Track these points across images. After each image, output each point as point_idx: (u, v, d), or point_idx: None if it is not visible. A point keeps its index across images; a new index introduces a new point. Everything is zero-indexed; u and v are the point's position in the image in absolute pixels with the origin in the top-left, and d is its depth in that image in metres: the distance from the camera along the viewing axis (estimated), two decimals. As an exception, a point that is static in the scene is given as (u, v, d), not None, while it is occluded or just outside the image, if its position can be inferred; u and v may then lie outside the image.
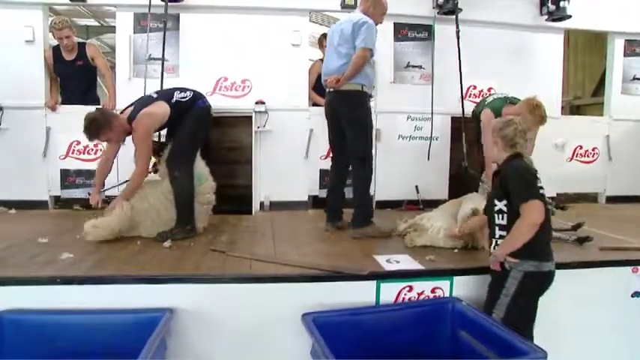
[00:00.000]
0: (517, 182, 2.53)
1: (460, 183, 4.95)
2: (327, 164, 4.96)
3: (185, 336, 2.66)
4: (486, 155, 4.17)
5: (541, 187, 2.52)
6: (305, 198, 5.07)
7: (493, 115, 4.17)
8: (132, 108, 3.63)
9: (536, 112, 3.72)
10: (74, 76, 4.90)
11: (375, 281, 2.79)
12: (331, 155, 4.03)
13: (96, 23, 11.58)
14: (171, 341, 2.62)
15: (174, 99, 3.66)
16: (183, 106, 3.66)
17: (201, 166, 3.90)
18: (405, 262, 3.03)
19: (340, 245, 3.48)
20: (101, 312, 2.59)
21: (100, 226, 3.45)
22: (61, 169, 4.90)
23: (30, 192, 4.86)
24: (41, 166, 4.86)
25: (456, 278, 2.88)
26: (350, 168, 3.79)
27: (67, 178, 4.91)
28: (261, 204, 4.98)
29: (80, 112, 4.66)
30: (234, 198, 4.86)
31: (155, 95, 3.72)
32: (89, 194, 3.91)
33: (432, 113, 5.09)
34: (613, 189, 5.82)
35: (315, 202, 5.17)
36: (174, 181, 3.63)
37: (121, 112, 3.73)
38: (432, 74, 5.16)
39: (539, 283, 2.53)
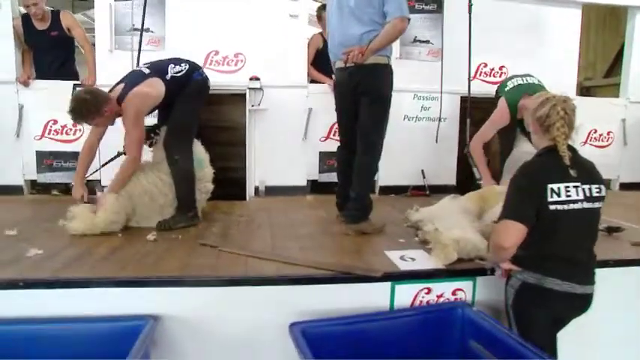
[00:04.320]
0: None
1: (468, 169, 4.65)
2: (327, 146, 4.71)
3: (171, 347, 2.30)
4: (473, 142, 3.89)
5: (557, 202, 2.04)
6: (303, 183, 4.71)
7: (507, 108, 3.76)
8: (122, 86, 3.21)
9: None
10: (48, 48, 4.44)
11: (389, 283, 2.44)
12: (341, 141, 3.52)
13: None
14: (155, 353, 2.27)
15: (169, 74, 3.28)
16: (178, 82, 3.29)
17: (200, 151, 3.57)
18: (422, 260, 2.66)
19: (346, 238, 3.12)
20: (73, 320, 2.22)
21: (79, 217, 3.07)
22: (36, 151, 4.47)
23: (3, 176, 4.45)
24: (15, 148, 4.43)
25: (479, 279, 2.54)
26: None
27: (44, 160, 4.49)
28: (256, 189, 4.61)
29: (56, 87, 4.36)
30: (227, 182, 4.46)
31: (148, 71, 3.29)
32: (71, 185, 3.45)
33: (441, 92, 4.72)
34: (627, 175, 5.49)
35: (313, 186, 4.81)
36: (174, 165, 3.29)
37: (110, 91, 3.28)
38: (442, 50, 4.76)
39: (538, 298, 2.12)
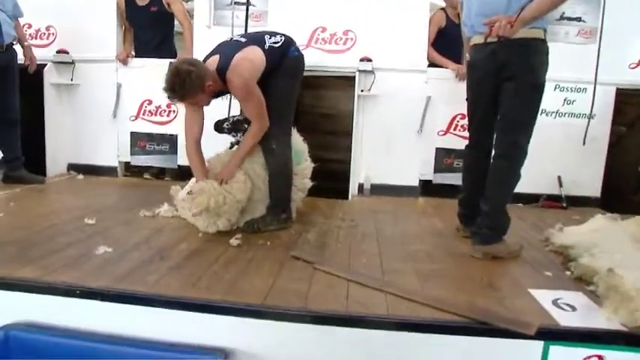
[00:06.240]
0: None
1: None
2: (445, 142, 4.05)
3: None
4: None
5: None
6: (415, 183, 4.06)
7: None
8: (217, 57, 2.77)
9: None
10: (148, 25, 4.23)
11: (541, 342, 1.74)
12: (471, 138, 2.85)
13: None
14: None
15: (267, 44, 2.81)
16: (276, 54, 2.83)
17: (299, 142, 3.12)
18: (586, 311, 1.90)
19: (475, 263, 2.44)
20: (125, 342, 1.80)
21: (207, 192, 2.66)
22: (131, 132, 4.29)
23: (99, 156, 4.35)
24: (111, 128, 4.29)
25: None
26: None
27: (138, 142, 4.29)
28: (360, 187, 4.06)
29: (153, 65, 4.07)
30: (327, 176, 3.97)
31: (244, 40, 2.86)
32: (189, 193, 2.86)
33: (595, 83, 3.81)
34: None
35: (425, 188, 4.14)
36: (270, 155, 2.86)
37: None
38: (601, 30, 3.82)
39: None
